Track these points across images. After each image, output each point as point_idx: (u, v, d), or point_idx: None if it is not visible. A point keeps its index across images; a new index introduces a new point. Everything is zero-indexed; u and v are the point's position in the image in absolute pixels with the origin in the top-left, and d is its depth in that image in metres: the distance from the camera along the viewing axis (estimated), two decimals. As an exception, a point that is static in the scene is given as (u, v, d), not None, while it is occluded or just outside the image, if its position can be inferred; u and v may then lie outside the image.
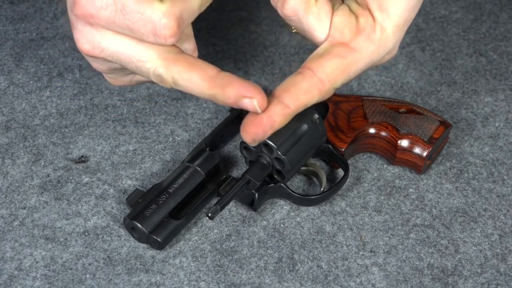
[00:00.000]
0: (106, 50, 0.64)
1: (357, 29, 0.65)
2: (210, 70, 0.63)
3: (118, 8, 0.60)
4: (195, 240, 0.75)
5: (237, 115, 0.82)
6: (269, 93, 0.83)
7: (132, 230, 0.74)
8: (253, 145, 0.65)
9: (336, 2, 0.67)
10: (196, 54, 0.69)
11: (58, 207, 0.77)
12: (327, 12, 0.65)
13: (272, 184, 0.76)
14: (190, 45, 0.69)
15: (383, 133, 0.79)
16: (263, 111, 0.63)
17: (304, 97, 0.64)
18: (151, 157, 0.81)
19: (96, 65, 0.68)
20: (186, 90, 0.63)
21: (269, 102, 0.64)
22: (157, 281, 0.72)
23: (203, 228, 0.76)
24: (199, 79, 0.62)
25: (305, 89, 0.64)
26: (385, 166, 0.81)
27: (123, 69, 0.67)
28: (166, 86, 0.64)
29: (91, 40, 0.64)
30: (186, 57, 0.63)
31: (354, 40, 0.65)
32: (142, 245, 0.75)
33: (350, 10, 0.66)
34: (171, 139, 0.83)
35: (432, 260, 0.74)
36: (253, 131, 0.64)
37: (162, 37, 0.61)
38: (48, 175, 0.80)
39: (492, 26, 0.95)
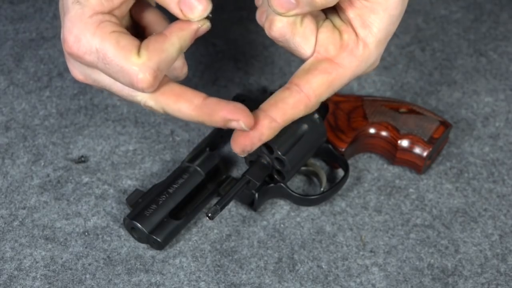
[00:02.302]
0: (98, 82, 0.67)
1: (341, 45, 0.67)
2: (196, 99, 0.65)
3: (100, 57, 0.63)
4: (195, 240, 0.75)
5: (237, 115, 0.82)
6: (269, 93, 0.83)
7: (132, 230, 0.74)
8: (242, 156, 0.68)
9: (319, 18, 0.69)
10: (185, 69, 0.71)
11: (58, 207, 0.77)
12: (312, 30, 0.67)
13: (272, 184, 0.76)
14: (178, 63, 0.70)
15: (383, 133, 0.79)
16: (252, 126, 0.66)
17: (291, 112, 0.68)
18: (151, 157, 0.81)
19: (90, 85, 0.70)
20: (177, 117, 0.67)
21: (257, 116, 0.67)
22: (157, 281, 0.72)
23: (203, 228, 0.76)
24: (186, 109, 0.65)
25: (292, 104, 0.67)
26: (385, 166, 0.81)
27: None
28: (158, 114, 0.68)
29: (83, 72, 0.67)
30: (173, 88, 0.66)
31: (339, 55, 0.67)
32: (142, 245, 0.75)
33: (334, 25, 0.68)
34: (171, 139, 0.83)
35: (432, 260, 0.74)
36: (242, 143, 0.67)
37: (139, 89, 0.63)
38: (48, 175, 0.79)
39: (492, 26, 0.95)
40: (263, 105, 0.68)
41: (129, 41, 0.63)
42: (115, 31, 0.64)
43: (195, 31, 0.66)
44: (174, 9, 0.65)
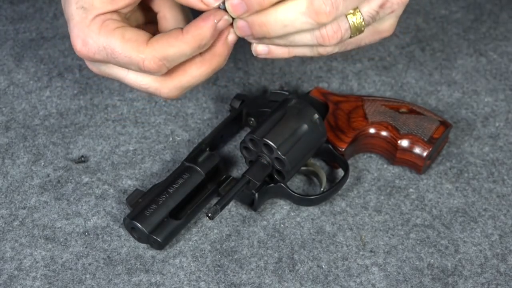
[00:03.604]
0: (112, 75, 0.71)
1: None
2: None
3: (108, 53, 0.68)
4: (195, 240, 0.75)
5: (237, 115, 0.82)
6: (269, 93, 0.83)
7: (132, 230, 0.74)
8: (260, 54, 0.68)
9: None
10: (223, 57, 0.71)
11: (58, 207, 0.77)
12: None
13: (272, 184, 0.76)
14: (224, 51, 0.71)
15: (383, 133, 0.79)
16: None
17: None
18: (151, 157, 0.81)
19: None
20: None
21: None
22: (157, 281, 0.72)
23: (203, 228, 0.76)
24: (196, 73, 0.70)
25: None
26: (385, 166, 0.81)
27: None
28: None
29: (98, 68, 0.72)
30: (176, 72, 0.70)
31: None
32: (142, 245, 0.75)
33: None
34: (171, 139, 0.83)
35: (432, 260, 0.74)
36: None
37: (148, 72, 0.68)
38: (48, 175, 0.79)
39: (492, 26, 0.95)
40: None
41: (134, 33, 0.67)
42: (118, 27, 0.68)
43: (213, 27, 0.66)
44: (195, 3, 0.66)
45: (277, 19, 0.65)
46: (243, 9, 0.65)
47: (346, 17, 0.66)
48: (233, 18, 0.66)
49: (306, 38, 0.67)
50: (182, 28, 0.67)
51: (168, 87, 0.70)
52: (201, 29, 0.66)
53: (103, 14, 0.68)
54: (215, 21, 0.66)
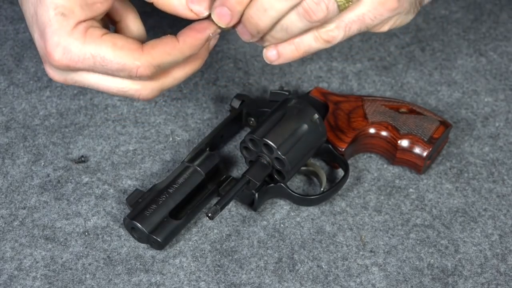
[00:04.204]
0: (81, 82, 0.69)
1: None
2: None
3: (96, 60, 0.65)
4: (195, 240, 0.75)
5: (237, 115, 0.82)
6: (269, 93, 0.83)
7: (132, 230, 0.74)
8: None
9: None
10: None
11: (58, 207, 0.77)
12: None
13: (272, 184, 0.76)
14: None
15: (383, 133, 0.79)
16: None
17: None
18: (151, 157, 0.81)
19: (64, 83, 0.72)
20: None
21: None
22: (157, 281, 0.72)
23: (203, 228, 0.76)
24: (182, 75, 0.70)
25: None
26: (385, 166, 0.81)
27: None
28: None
29: (64, 76, 0.69)
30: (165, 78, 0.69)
31: None
32: (142, 245, 0.75)
33: None
34: (171, 139, 0.83)
35: (432, 260, 0.74)
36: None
37: (138, 78, 0.67)
38: (48, 175, 0.80)
39: (492, 26, 0.95)
40: None
41: (125, 40, 0.66)
42: (104, 34, 0.66)
43: (207, 39, 0.68)
44: (184, 13, 0.67)
45: (258, 7, 0.65)
46: (229, 16, 0.66)
47: None
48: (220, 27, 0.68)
49: (296, 20, 0.66)
50: (175, 36, 0.67)
51: (150, 88, 0.69)
52: (198, 41, 0.67)
53: (84, 21, 0.66)
54: (211, 33, 0.67)
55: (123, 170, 0.80)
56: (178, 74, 0.70)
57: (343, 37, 0.68)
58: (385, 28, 0.70)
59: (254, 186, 0.75)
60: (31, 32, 0.68)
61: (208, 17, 0.67)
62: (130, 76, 0.66)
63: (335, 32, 0.67)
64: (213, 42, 0.70)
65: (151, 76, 0.67)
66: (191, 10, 0.67)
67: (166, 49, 0.67)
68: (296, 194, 0.76)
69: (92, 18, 0.67)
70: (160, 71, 0.67)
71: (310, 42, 0.69)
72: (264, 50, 0.70)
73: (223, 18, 0.66)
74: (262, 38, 0.69)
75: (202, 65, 0.71)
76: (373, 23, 0.68)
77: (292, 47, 0.69)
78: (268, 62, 0.70)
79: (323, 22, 0.66)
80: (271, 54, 0.70)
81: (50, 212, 0.77)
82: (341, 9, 0.65)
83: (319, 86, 0.85)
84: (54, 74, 0.69)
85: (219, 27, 0.67)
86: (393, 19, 0.69)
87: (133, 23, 0.71)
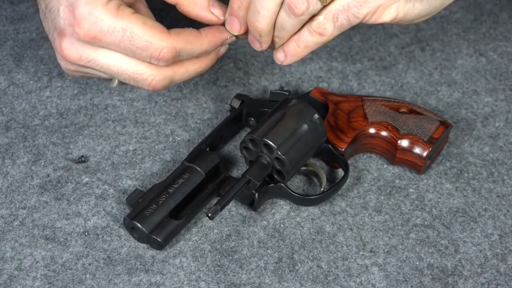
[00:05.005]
0: (95, 62, 0.71)
1: None
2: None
3: (125, 35, 0.69)
4: (195, 240, 0.75)
5: (237, 115, 0.82)
6: (269, 93, 0.83)
7: (132, 230, 0.74)
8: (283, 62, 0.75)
9: None
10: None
11: (58, 207, 0.77)
12: None
13: (272, 184, 0.76)
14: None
15: (383, 133, 0.79)
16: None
17: None
18: (151, 157, 0.81)
19: (69, 67, 0.74)
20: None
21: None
22: (157, 281, 0.72)
23: (203, 228, 0.76)
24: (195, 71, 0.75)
25: None
26: (385, 166, 0.81)
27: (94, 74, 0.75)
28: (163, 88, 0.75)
29: (81, 52, 0.71)
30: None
31: None
32: (142, 245, 0.75)
33: None
34: (171, 139, 0.83)
35: (432, 260, 0.74)
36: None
37: (157, 61, 0.70)
38: (48, 175, 0.80)
39: (492, 26, 0.95)
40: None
41: (154, 23, 0.70)
42: (134, 13, 0.70)
43: (223, 41, 0.74)
44: (205, 15, 0.73)
45: (253, 10, 0.70)
46: (237, 23, 0.73)
47: None
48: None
49: (286, 17, 0.70)
50: (197, 30, 0.72)
51: (163, 75, 0.72)
52: (217, 39, 0.73)
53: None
54: (228, 37, 0.74)
55: (123, 170, 0.80)
56: (190, 68, 0.74)
57: (334, 29, 0.71)
58: (385, 18, 0.72)
59: (254, 186, 0.75)
60: (53, 6, 0.71)
61: (224, 24, 0.74)
62: (151, 57, 0.70)
63: (325, 24, 0.70)
64: (223, 50, 0.76)
65: (171, 61, 0.71)
66: (212, 13, 0.73)
67: (189, 37, 0.71)
68: (296, 194, 0.76)
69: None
70: (179, 58, 0.71)
71: (306, 37, 0.72)
72: (274, 53, 0.75)
73: (233, 25, 0.73)
74: (272, 43, 0.74)
75: (225, 65, 0.77)
76: (361, 11, 0.70)
77: (294, 44, 0.73)
78: (279, 63, 0.75)
79: (310, 15, 0.70)
80: (279, 55, 0.75)
81: (50, 212, 0.77)
82: (322, 1, 0.69)
83: (319, 86, 0.85)
84: (71, 50, 0.71)
85: (233, 35, 0.74)
86: (392, 7, 0.71)
87: (146, 12, 0.75)
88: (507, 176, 0.81)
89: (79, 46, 0.70)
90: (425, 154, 0.78)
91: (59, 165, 0.80)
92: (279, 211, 0.78)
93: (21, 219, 0.76)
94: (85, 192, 0.78)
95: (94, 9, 0.68)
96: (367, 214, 0.77)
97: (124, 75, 0.72)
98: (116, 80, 0.75)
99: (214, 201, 0.76)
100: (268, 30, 0.71)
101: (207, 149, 0.78)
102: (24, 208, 0.77)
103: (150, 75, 0.72)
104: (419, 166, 0.79)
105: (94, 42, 0.69)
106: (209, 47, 0.73)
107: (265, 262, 0.74)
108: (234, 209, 0.78)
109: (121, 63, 0.71)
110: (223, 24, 0.74)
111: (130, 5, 0.73)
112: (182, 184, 0.75)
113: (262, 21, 0.70)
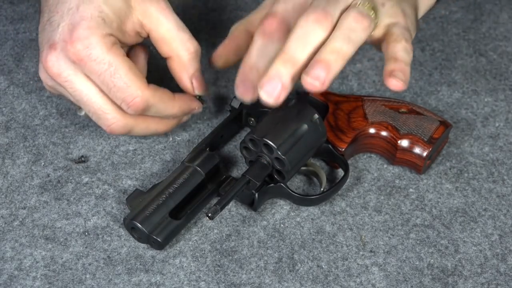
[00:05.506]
0: (70, 84, 0.73)
1: None
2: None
3: (109, 69, 0.71)
4: (195, 240, 0.75)
5: (237, 115, 0.82)
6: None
7: (132, 230, 0.74)
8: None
9: None
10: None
11: (58, 207, 0.77)
12: None
13: (272, 184, 0.76)
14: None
15: (383, 133, 0.79)
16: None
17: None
18: (151, 157, 0.81)
19: (48, 82, 0.76)
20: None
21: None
22: (157, 281, 0.72)
23: (203, 228, 0.76)
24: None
25: None
26: (385, 166, 0.81)
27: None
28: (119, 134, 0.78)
29: (62, 70, 0.72)
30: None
31: None
32: (142, 245, 0.75)
33: None
34: (171, 139, 0.83)
35: (432, 260, 0.74)
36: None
37: (127, 107, 0.72)
38: (48, 175, 0.80)
39: (492, 26, 0.95)
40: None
41: (138, 71, 0.73)
42: (125, 56, 0.73)
43: (191, 110, 0.78)
44: (186, 81, 0.77)
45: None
46: (252, 92, 0.72)
47: None
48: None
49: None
50: (173, 94, 0.76)
51: (125, 123, 0.74)
52: (187, 106, 0.77)
53: (114, 37, 0.72)
54: (196, 108, 0.79)
55: (123, 170, 0.80)
56: (152, 126, 0.77)
57: None
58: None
59: (254, 186, 0.75)
60: (55, 20, 0.72)
61: (197, 97, 0.79)
62: (123, 101, 0.72)
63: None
64: (185, 118, 0.80)
65: (139, 112, 0.73)
66: (192, 83, 0.77)
67: (164, 97, 0.74)
68: (296, 194, 0.76)
69: (119, 41, 0.73)
70: (147, 112, 0.74)
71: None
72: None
73: (245, 94, 0.73)
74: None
75: (166, 132, 0.79)
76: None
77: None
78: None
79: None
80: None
81: (50, 212, 0.77)
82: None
83: (319, 86, 0.85)
84: (54, 64, 0.72)
85: (200, 109, 0.79)
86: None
87: (141, 62, 0.78)
88: (507, 176, 0.81)
89: (63, 63, 0.72)
90: (425, 154, 0.78)
91: (59, 165, 0.80)
92: (279, 211, 0.78)
93: (21, 219, 0.76)
94: (85, 192, 0.78)
95: (92, 36, 0.70)
96: (367, 214, 0.77)
97: (90, 108, 0.73)
98: (84, 111, 0.77)
99: (214, 201, 0.76)
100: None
101: (207, 149, 0.78)
102: (24, 208, 0.77)
103: (113, 118, 0.74)
104: (419, 166, 0.79)
105: (79, 64, 0.71)
106: (178, 111, 0.76)
107: (265, 262, 0.74)
108: (234, 209, 0.78)
109: (92, 95, 0.73)
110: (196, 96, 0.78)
111: (131, 48, 0.77)
112: (182, 184, 0.75)
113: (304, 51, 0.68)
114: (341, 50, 0.66)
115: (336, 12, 0.68)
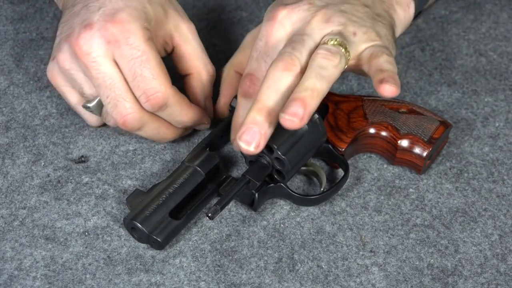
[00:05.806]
0: (96, 66, 0.72)
1: None
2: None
3: (141, 57, 0.72)
4: (195, 240, 0.75)
5: (237, 115, 0.82)
6: None
7: (132, 230, 0.74)
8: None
9: None
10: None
11: (58, 207, 0.77)
12: None
13: (272, 184, 0.76)
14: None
15: (383, 133, 0.79)
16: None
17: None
18: (151, 157, 0.81)
19: (63, 65, 0.76)
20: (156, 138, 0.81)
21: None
22: (157, 281, 0.72)
23: (203, 228, 0.76)
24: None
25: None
26: (385, 166, 0.81)
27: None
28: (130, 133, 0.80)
29: (93, 49, 0.73)
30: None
31: None
32: (142, 245, 0.75)
33: None
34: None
35: (432, 260, 0.74)
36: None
37: (145, 100, 0.73)
38: (48, 175, 0.80)
39: (492, 26, 0.95)
40: None
41: (166, 70, 0.74)
42: (158, 54, 0.74)
43: (200, 123, 0.80)
44: (200, 100, 0.80)
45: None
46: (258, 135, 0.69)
47: None
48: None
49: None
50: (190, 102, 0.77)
51: (141, 117, 0.74)
52: (198, 118, 0.78)
53: (151, 33, 0.74)
54: (205, 123, 0.80)
55: (123, 170, 0.80)
56: (162, 130, 0.77)
57: None
58: None
59: (254, 186, 0.75)
60: (94, 5, 0.74)
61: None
62: (144, 92, 0.72)
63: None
64: (188, 130, 0.81)
65: (156, 108, 0.73)
66: (205, 103, 0.81)
67: (182, 100, 0.76)
68: (296, 194, 0.76)
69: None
70: (162, 111, 0.74)
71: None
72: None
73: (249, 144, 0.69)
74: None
75: (170, 140, 0.80)
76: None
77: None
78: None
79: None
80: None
81: (50, 212, 0.77)
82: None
83: (319, 86, 0.85)
84: (86, 42, 0.73)
85: (208, 126, 0.81)
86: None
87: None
88: (507, 176, 0.81)
89: (96, 43, 0.72)
90: (425, 154, 0.78)
91: (59, 165, 0.80)
92: (279, 211, 0.78)
93: (21, 219, 0.76)
94: (85, 192, 0.78)
95: (134, 22, 0.72)
96: (367, 214, 0.77)
97: (110, 93, 0.73)
98: (94, 102, 0.76)
99: (214, 201, 0.76)
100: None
101: (207, 149, 0.78)
102: (24, 208, 0.77)
103: (130, 108, 0.73)
104: (419, 166, 0.79)
105: (113, 45, 0.71)
106: (189, 120, 0.77)
107: (265, 262, 0.74)
108: (234, 209, 0.78)
109: (117, 81, 0.73)
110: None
111: (171, 49, 0.79)
112: (182, 184, 0.75)
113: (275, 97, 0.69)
114: (314, 87, 0.67)
115: (304, 54, 0.69)
